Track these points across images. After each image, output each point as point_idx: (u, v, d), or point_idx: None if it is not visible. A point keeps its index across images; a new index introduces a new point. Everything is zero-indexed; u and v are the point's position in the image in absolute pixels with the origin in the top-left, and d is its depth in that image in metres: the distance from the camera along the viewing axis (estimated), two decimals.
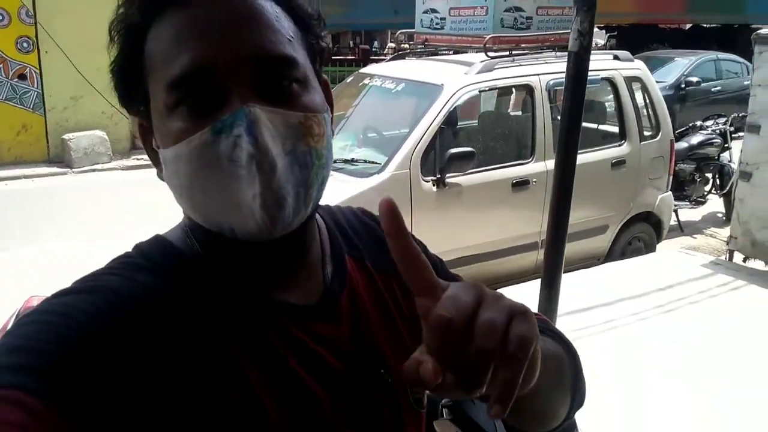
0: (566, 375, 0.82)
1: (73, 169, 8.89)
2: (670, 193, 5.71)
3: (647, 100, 5.50)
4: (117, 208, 6.56)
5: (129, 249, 0.73)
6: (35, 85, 8.97)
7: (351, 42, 26.05)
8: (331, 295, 0.77)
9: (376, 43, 24.43)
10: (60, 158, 9.09)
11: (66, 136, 8.97)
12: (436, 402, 1.67)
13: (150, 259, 0.70)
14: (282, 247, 0.71)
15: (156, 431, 0.61)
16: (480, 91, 4.72)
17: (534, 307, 2.71)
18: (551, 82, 4.90)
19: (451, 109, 4.45)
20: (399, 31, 5.73)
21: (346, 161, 4.45)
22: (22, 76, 8.86)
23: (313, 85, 0.70)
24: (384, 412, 0.77)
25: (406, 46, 5.97)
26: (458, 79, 4.61)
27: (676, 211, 6.56)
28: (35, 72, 8.94)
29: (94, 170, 8.98)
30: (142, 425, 0.60)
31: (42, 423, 0.54)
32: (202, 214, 0.68)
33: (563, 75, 4.91)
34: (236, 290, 0.71)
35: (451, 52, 5.67)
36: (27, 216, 6.70)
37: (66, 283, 0.69)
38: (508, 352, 0.49)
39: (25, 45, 8.80)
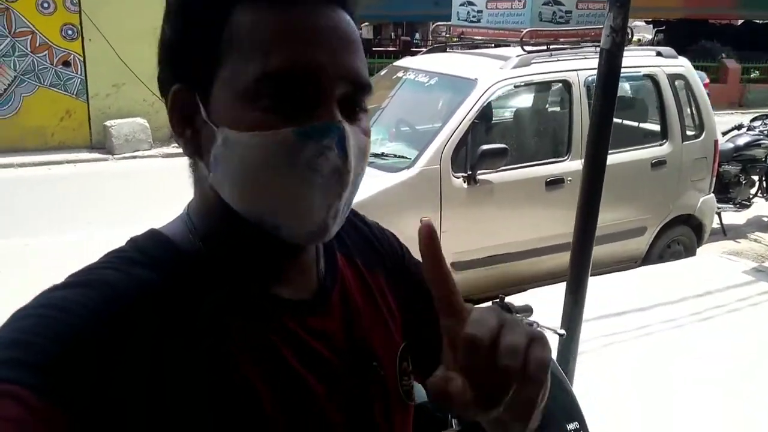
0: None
1: (115, 156, 9.07)
2: (712, 195, 5.51)
3: (691, 98, 5.31)
4: (157, 194, 6.61)
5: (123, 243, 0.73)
6: (79, 72, 9.16)
7: (392, 33, 26.00)
8: (324, 290, 0.79)
9: (417, 35, 24.30)
10: (102, 144, 9.27)
11: (108, 123, 9.15)
12: (444, 416, 1.62)
13: (145, 253, 0.70)
14: (301, 250, 0.74)
15: (153, 425, 0.61)
16: (515, 86, 4.60)
17: (559, 311, 2.62)
18: (590, 78, 4.73)
19: (485, 104, 4.35)
20: (435, 24, 5.63)
21: (376, 155, 4.39)
22: (66, 63, 9.05)
23: (368, 112, 0.73)
24: (376, 405, 0.79)
25: (443, 38, 5.86)
26: (493, 73, 4.51)
27: (719, 214, 6.35)
28: (79, 59, 9.12)
29: (134, 157, 9.14)
30: (139, 420, 0.60)
31: (39, 418, 0.54)
32: (251, 203, 0.68)
33: None
34: (237, 285, 0.71)
35: (492, 45, 5.56)
36: (69, 201, 6.84)
37: None
38: (528, 373, 0.53)
39: (69, 32, 8.99)
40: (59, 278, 0.67)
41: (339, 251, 0.85)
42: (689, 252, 5.55)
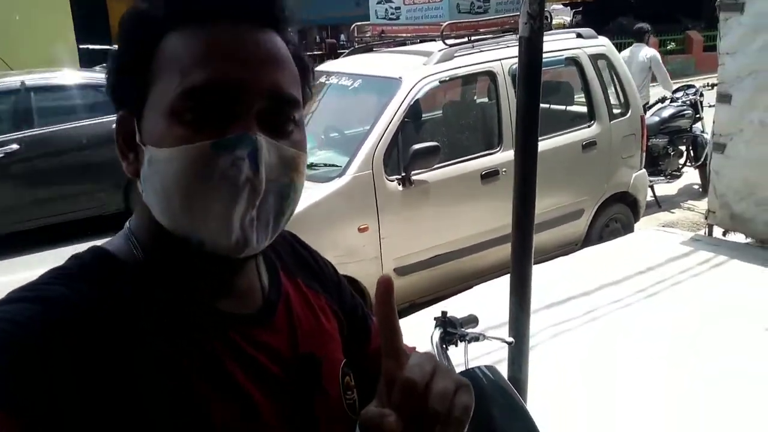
0: None
1: None
2: (644, 170, 5.58)
3: (614, 77, 5.36)
4: None
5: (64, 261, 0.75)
6: None
7: (317, 37, 25.76)
8: (269, 304, 0.82)
9: (343, 37, 24.08)
10: None
11: None
12: None
13: (88, 269, 0.72)
14: (236, 264, 0.75)
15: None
16: (440, 82, 4.53)
17: (505, 304, 2.53)
18: (514, 67, 4.70)
19: (411, 102, 4.27)
20: (354, 24, 5.52)
21: (306, 166, 4.25)
22: None
23: (303, 126, 0.76)
24: (321, 419, 0.80)
25: (365, 38, 5.75)
26: (417, 70, 4.43)
27: (651, 187, 6.46)
28: None
29: None
30: (90, 427, 0.61)
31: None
32: (175, 219, 0.70)
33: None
34: (179, 298, 0.73)
35: (416, 41, 5.49)
36: None
37: None
38: (454, 416, 0.61)
39: None
40: None
41: (281, 269, 0.88)
42: (627, 229, 5.61)
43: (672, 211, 6.85)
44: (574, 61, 5.15)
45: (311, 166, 4.25)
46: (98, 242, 0.78)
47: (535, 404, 2.66)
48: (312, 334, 0.85)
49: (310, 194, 3.92)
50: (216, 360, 0.72)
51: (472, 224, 4.55)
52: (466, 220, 4.52)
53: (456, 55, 4.59)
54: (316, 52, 13.23)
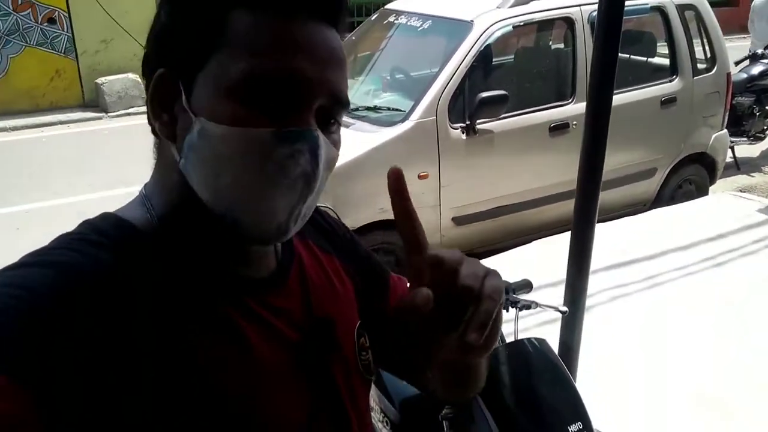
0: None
1: (109, 113, 8.83)
2: (725, 131, 5.27)
3: (702, 30, 5.01)
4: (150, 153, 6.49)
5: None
6: (65, 29, 8.84)
7: None
8: (282, 269, 0.81)
9: None
10: (95, 102, 9.02)
11: (99, 80, 8.87)
12: (437, 413, 1.50)
13: (102, 234, 0.70)
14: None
15: (114, 400, 0.61)
16: (514, 27, 4.33)
17: (563, 264, 2.44)
18: (594, 14, 4.45)
19: (482, 48, 4.10)
20: None
21: (369, 108, 4.19)
22: (51, 20, 8.73)
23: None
24: (338, 379, 0.81)
25: None
26: (490, 14, 4.25)
27: (732, 148, 6.12)
28: (64, 15, 8.78)
29: (128, 114, 8.88)
30: (101, 395, 0.60)
31: (6, 397, 0.55)
32: (217, 195, 0.69)
33: None
34: (195, 264, 0.72)
35: None
36: (67, 163, 6.68)
37: None
38: (484, 293, 0.61)
39: None
40: None
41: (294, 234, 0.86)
42: (701, 191, 5.36)
43: (752, 174, 6.49)
44: (659, 10, 4.84)
45: (374, 108, 4.18)
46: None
47: (585, 370, 2.61)
48: (325, 296, 0.85)
49: (372, 138, 3.87)
50: (231, 324, 0.72)
51: (537, 177, 4.41)
52: (530, 173, 4.39)
53: None
54: None
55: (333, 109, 0.72)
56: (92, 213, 0.75)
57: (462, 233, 4.23)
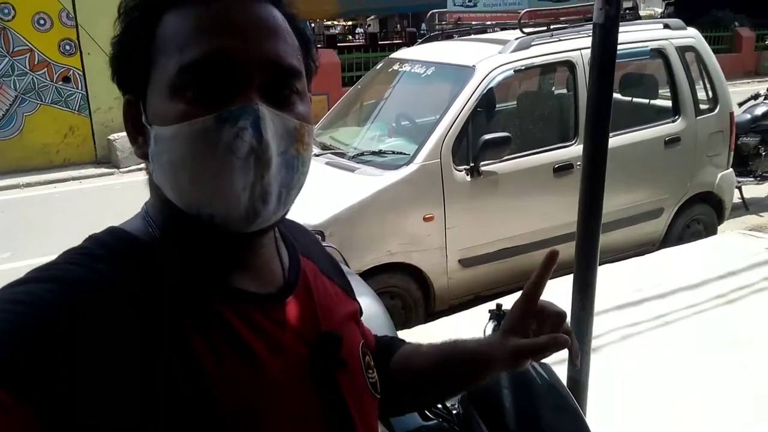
0: None
1: (120, 169, 8.97)
2: (731, 170, 5.27)
3: (703, 71, 5.07)
4: None
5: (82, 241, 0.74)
6: (79, 87, 9.08)
7: (398, 25, 25.76)
8: (289, 285, 0.82)
9: (423, 26, 23.97)
10: (107, 158, 9.20)
11: (112, 137, 9.06)
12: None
13: (107, 249, 0.71)
14: (249, 240, 0.75)
15: (119, 415, 0.61)
16: (515, 71, 4.40)
17: (569, 303, 2.42)
18: None
19: (484, 91, 4.17)
20: (430, 12, 5.44)
21: (374, 153, 4.24)
22: (66, 79, 8.98)
23: (307, 98, 0.76)
24: (346, 394, 0.81)
25: (440, 26, 5.66)
26: (491, 59, 4.33)
27: (739, 189, 6.11)
28: (79, 74, 9.04)
29: (140, 169, 8.89)
30: (106, 410, 0.60)
31: (10, 414, 0.55)
32: (185, 194, 0.70)
33: None
34: (197, 277, 0.72)
35: (494, 30, 5.35)
36: (78, 218, 6.75)
37: None
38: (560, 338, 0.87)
39: (67, 48, 8.92)
40: None
41: (301, 253, 0.88)
42: (710, 231, 5.33)
43: (761, 214, 6.45)
44: (659, 53, 4.91)
45: (380, 153, 4.23)
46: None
47: (594, 408, 2.56)
48: (331, 314, 0.85)
49: (378, 181, 3.91)
50: (238, 337, 0.71)
51: (542, 218, 4.42)
52: (535, 214, 4.40)
53: (533, 43, 4.46)
54: (396, 41, 13.16)
55: (278, 80, 0.71)
56: None
57: (469, 275, 4.21)
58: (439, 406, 1.55)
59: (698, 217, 5.25)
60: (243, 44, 0.68)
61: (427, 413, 1.58)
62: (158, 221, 0.75)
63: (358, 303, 0.99)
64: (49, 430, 0.57)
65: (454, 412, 1.44)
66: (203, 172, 0.67)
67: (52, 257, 0.69)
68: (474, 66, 4.28)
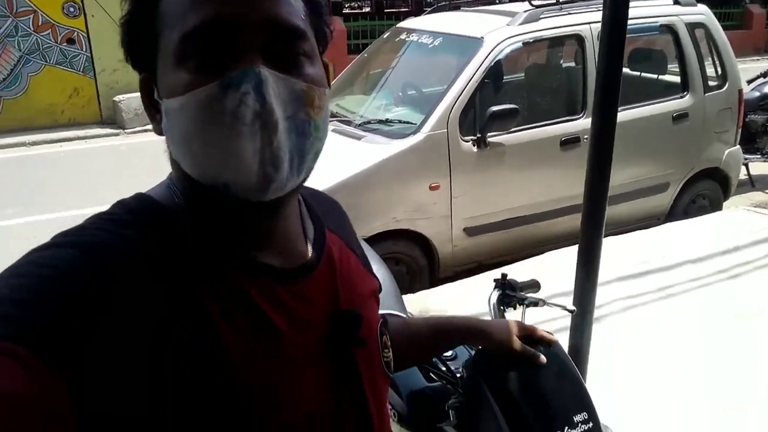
0: None
1: (126, 130, 8.98)
2: (738, 147, 5.26)
3: (712, 48, 5.03)
4: (169, 168, 6.58)
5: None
6: (84, 49, 9.04)
7: None
8: (313, 260, 0.81)
9: None
10: (112, 119, 9.19)
11: (117, 98, 9.04)
12: (443, 403, 1.51)
13: (134, 215, 0.71)
14: (268, 210, 0.73)
15: (143, 379, 0.61)
16: (524, 44, 4.38)
17: (572, 273, 2.45)
18: None
19: (492, 63, 4.15)
20: None
21: (381, 122, 4.24)
22: (70, 41, 8.93)
23: (318, 60, 0.74)
24: (362, 370, 0.81)
25: None
26: (499, 31, 4.30)
27: (746, 165, 6.10)
28: (83, 36, 8.99)
29: (146, 131, 9.01)
30: (129, 374, 0.60)
31: (33, 373, 0.55)
32: (199, 166, 0.69)
33: None
34: (219, 247, 0.72)
35: (504, 1, 5.31)
36: (83, 177, 6.79)
37: None
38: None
39: (71, 9, 8.85)
40: None
41: (327, 227, 0.88)
42: (715, 206, 5.34)
43: (766, 191, 6.46)
44: (669, 29, 4.87)
45: (386, 122, 4.23)
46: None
47: (596, 376, 2.60)
48: (353, 291, 0.85)
49: (384, 149, 3.92)
50: (258, 310, 0.71)
51: (547, 190, 4.43)
52: (540, 186, 4.41)
53: (542, 16, 4.43)
54: (402, 9, 12.99)
55: (283, 42, 0.69)
56: None
57: (473, 243, 4.25)
58: (443, 368, 1.59)
59: (704, 192, 5.26)
60: (242, 7, 0.67)
61: (431, 375, 1.62)
62: (183, 190, 0.75)
63: (378, 279, 1.00)
64: (75, 399, 0.57)
65: (458, 375, 1.47)
66: (213, 141, 0.66)
67: (58, 214, 0.69)
68: (482, 38, 4.25)
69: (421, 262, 4.16)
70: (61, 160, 7.73)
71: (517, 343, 1.26)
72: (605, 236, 4.26)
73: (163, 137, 0.73)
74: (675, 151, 4.94)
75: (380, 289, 1.00)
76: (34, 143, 8.38)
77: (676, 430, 2.68)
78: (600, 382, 2.80)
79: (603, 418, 1.49)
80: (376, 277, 0.99)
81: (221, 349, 0.67)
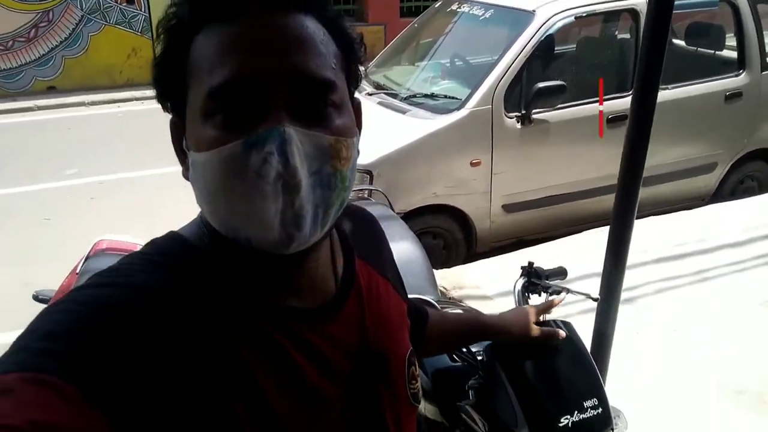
0: None
1: None
2: None
3: None
4: None
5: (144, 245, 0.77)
6: (142, 9, 9.23)
7: None
8: (340, 297, 0.81)
9: None
10: None
11: None
12: (464, 383, 1.62)
13: (166, 256, 0.72)
14: (293, 261, 0.74)
15: (172, 418, 0.63)
16: (576, 18, 4.33)
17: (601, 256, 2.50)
18: None
19: (542, 38, 4.14)
20: None
21: (426, 96, 4.29)
22: (129, 1, 9.12)
23: (347, 108, 0.73)
24: (386, 409, 0.82)
25: None
26: (552, 4, 4.27)
27: None
28: None
29: None
30: (160, 412, 0.62)
31: (77, 409, 0.56)
32: (222, 221, 0.70)
33: None
34: (246, 292, 0.73)
35: None
36: (143, 137, 7.02)
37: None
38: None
39: None
40: (158, 208, 0.71)
41: (357, 256, 0.88)
42: (764, 188, 5.23)
43: None
44: (729, 2, 4.73)
45: (432, 96, 4.28)
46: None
47: (621, 359, 2.67)
48: (381, 324, 0.85)
49: (428, 124, 3.98)
50: (284, 353, 0.72)
51: (590, 168, 4.43)
52: (583, 164, 4.41)
53: None
54: None
55: (310, 95, 0.68)
56: (155, 187, 0.80)
57: (511, 220, 4.30)
58: (465, 350, 1.69)
59: (753, 173, 5.16)
60: (270, 63, 0.66)
61: (455, 356, 1.73)
62: (213, 233, 0.75)
63: (408, 301, 1.02)
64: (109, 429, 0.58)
65: (479, 358, 1.58)
66: (236, 198, 0.66)
67: (118, 175, 0.73)
68: (534, 11, 4.23)
69: (458, 237, 4.24)
70: (118, 120, 7.99)
71: (534, 331, 1.36)
72: (645, 216, 4.26)
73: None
74: (725, 131, 4.85)
75: (410, 312, 1.01)
76: (93, 103, 8.65)
77: (700, 417, 2.74)
78: (625, 364, 2.87)
79: (622, 401, 1.58)
80: (406, 298, 1.00)
81: (258, 390, 0.69)
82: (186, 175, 0.74)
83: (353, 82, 0.77)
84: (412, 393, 0.88)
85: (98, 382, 0.58)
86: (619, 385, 2.49)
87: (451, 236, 4.21)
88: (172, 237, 0.76)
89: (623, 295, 3.32)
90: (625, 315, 2.53)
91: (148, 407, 0.61)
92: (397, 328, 0.91)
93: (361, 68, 0.80)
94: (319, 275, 0.80)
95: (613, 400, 1.54)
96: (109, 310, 0.63)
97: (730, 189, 5.09)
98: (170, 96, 0.73)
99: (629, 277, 3.37)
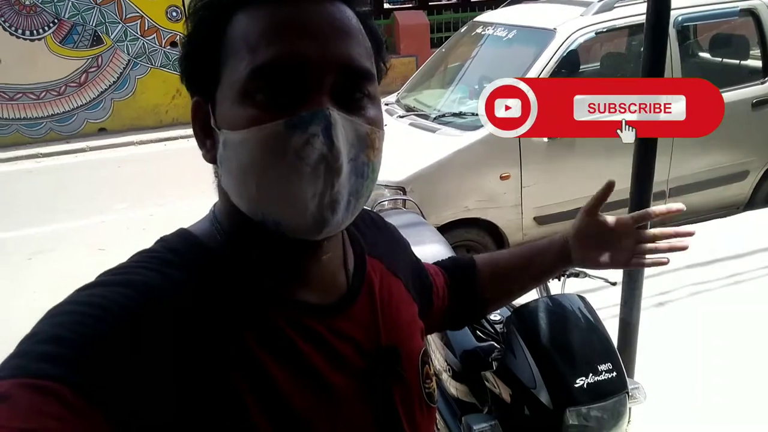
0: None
1: None
2: None
3: None
4: None
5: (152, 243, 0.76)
6: None
7: None
8: (351, 293, 0.82)
9: None
10: None
11: None
12: (487, 355, 1.75)
13: (176, 253, 0.72)
14: (314, 248, 0.75)
15: (182, 421, 0.62)
16: (597, 33, 4.47)
17: None
18: (680, 18, 4.55)
19: (564, 54, 4.28)
20: None
21: (455, 114, 4.45)
22: (173, 44, 9.58)
23: (379, 101, 0.74)
24: (400, 407, 0.81)
25: None
26: (572, 21, 4.41)
27: None
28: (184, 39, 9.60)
29: None
30: (169, 416, 0.61)
31: (76, 414, 0.55)
32: (251, 201, 0.68)
33: (697, 8, 4.58)
34: (258, 286, 0.72)
35: None
36: (187, 172, 7.31)
37: None
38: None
39: (174, 14, 9.49)
40: None
41: (369, 254, 0.88)
42: None
43: None
44: (750, 12, 4.82)
45: (460, 114, 4.45)
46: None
47: (644, 354, 2.73)
48: (393, 323, 0.85)
49: (456, 141, 4.14)
50: (295, 349, 0.72)
51: (619, 179, 4.45)
52: (610, 175, 4.30)
53: (616, 5, 4.50)
54: (452, 1, 12.83)
55: (350, 83, 0.69)
56: (200, 216, 0.79)
57: (543, 232, 4.40)
58: (491, 329, 1.82)
59: None
60: (317, 46, 0.66)
61: (480, 334, 1.86)
62: (225, 226, 0.75)
63: (426, 279, 1.06)
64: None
65: (500, 331, 1.71)
66: (271, 178, 0.65)
67: (166, 207, 0.78)
68: (555, 29, 4.39)
69: (491, 249, 4.35)
70: (166, 157, 8.35)
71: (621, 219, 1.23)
72: (678, 225, 4.29)
73: (211, 165, 0.75)
74: (755, 139, 4.88)
75: (447, 268, 1.08)
76: (141, 142, 9.07)
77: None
78: (653, 366, 2.92)
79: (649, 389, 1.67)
80: (418, 300, 0.99)
81: (270, 384, 0.68)
82: (207, 157, 0.74)
83: (379, 78, 0.77)
84: (427, 393, 0.87)
85: (102, 386, 0.57)
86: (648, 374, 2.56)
87: (485, 249, 4.33)
88: (181, 234, 0.76)
89: (654, 300, 3.42)
90: (656, 315, 2.59)
91: (154, 408, 0.60)
92: (410, 327, 0.90)
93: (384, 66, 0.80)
94: (332, 269, 0.80)
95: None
96: (115, 311, 0.62)
97: (764, 197, 5.10)
98: (199, 73, 0.72)
99: (660, 282, 3.47)
